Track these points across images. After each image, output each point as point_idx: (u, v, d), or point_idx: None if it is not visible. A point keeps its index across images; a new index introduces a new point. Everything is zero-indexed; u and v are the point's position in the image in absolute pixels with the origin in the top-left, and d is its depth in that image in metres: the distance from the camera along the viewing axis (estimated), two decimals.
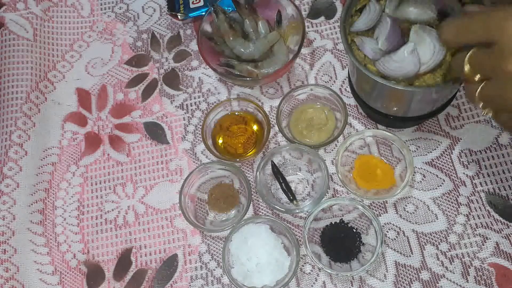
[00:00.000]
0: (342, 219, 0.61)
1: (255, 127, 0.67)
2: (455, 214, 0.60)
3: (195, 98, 0.71)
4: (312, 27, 0.73)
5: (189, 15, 0.74)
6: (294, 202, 0.61)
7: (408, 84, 0.51)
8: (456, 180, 0.61)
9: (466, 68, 0.43)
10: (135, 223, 0.65)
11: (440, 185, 0.61)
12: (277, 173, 0.62)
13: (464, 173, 0.61)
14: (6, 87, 0.71)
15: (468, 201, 0.60)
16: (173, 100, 0.71)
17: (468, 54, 0.43)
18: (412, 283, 0.58)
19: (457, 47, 0.48)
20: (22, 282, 0.63)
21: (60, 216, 0.66)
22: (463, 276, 0.57)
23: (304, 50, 0.71)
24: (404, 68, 0.51)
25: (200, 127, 0.68)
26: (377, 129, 0.65)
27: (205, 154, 0.67)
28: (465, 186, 0.61)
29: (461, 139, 0.63)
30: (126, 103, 0.72)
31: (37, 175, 0.68)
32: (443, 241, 0.59)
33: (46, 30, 0.76)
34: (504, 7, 0.40)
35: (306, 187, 0.64)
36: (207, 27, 0.68)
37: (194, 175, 0.63)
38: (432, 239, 0.59)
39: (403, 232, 0.60)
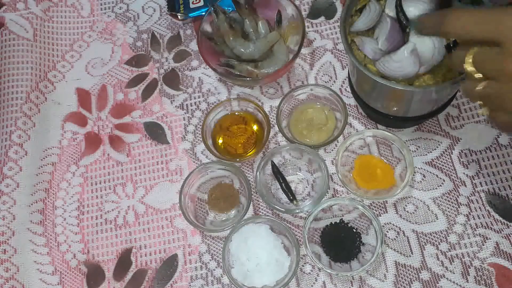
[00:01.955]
0: (342, 219, 0.61)
1: (255, 127, 0.67)
2: (455, 214, 0.60)
3: (195, 98, 0.71)
4: (312, 27, 0.73)
5: (189, 15, 0.74)
6: (294, 202, 0.61)
7: (408, 84, 0.51)
8: (456, 180, 0.61)
9: (468, 65, 0.42)
10: (135, 223, 0.65)
11: (440, 185, 0.61)
12: (277, 173, 0.62)
13: (464, 173, 0.61)
14: (6, 87, 0.71)
15: (468, 201, 0.60)
16: (173, 100, 0.71)
17: (472, 51, 0.41)
18: (412, 283, 0.58)
19: (457, 40, 0.46)
20: (22, 282, 0.63)
21: (60, 216, 0.66)
22: (463, 276, 0.57)
23: (304, 50, 0.71)
24: (404, 68, 0.51)
25: (200, 127, 0.68)
26: (377, 129, 0.65)
27: (205, 154, 0.67)
28: (465, 186, 0.61)
29: (461, 139, 0.63)
30: (126, 103, 0.72)
31: (37, 175, 0.68)
32: (443, 241, 0.59)
33: (46, 30, 0.76)
34: None
35: (306, 187, 0.64)
36: (207, 27, 0.68)
37: (194, 175, 0.63)
38: (432, 239, 0.59)
39: (403, 232, 0.60)
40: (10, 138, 0.68)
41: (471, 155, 0.62)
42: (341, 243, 0.59)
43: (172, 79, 0.72)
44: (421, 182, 0.62)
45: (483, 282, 0.56)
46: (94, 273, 0.63)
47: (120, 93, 0.73)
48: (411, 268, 0.58)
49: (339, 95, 0.63)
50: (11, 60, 0.72)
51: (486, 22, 0.40)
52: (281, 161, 0.64)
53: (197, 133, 0.69)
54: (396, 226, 0.60)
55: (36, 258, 0.64)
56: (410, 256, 0.59)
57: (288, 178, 0.63)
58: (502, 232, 0.58)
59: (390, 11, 0.54)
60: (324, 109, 0.65)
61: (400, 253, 0.59)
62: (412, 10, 0.53)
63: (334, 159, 0.63)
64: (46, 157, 0.69)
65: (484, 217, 0.59)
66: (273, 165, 0.62)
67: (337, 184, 0.63)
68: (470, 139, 0.62)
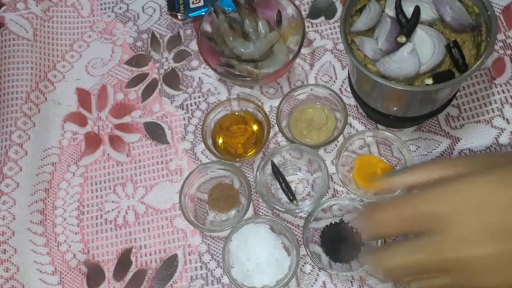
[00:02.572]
0: (342, 219, 0.61)
1: (255, 127, 0.67)
2: None
3: (195, 98, 0.71)
4: (312, 27, 0.73)
5: (189, 15, 0.74)
6: (294, 202, 0.61)
7: (408, 84, 0.51)
8: None
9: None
10: (135, 223, 0.65)
11: None
12: (277, 173, 0.62)
13: None
14: (6, 87, 0.71)
15: None
16: (173, 100, 0.71)
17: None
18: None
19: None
20: (22, 282, 0.63)
21: (60, 216, 0.66)
22: None
23: (304, 50, 0.71)
24: (404, 69, 0.51)
25: (200, 127, 0.68)
26: (377, 129, 0.65)
27: (205, 154, 0.67)
28: None
29: (461, 139, 0.63)
30: (126, 103, 0.72)
31: (37, 175, 0.68)
32: None
33: (46, 30, 0.76)
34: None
35: (306, 187, 0.64)
36: (207, 27, 0.68)
37: (194, 175, 0.63)
38: None
39: None
40: (10, 138, 0.68)
41: None
42: (341, 243, 0.59)
43: (172, 79, 0.72)
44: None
45: None
46: (94, 273, 0.63)
47: (120, 93, 0.73)
48: None
49: (339, 95, 0.63)
50: (11, 60, 0.72)
51: (413, 213, 0.36)
52: (281, 161, 0.64)
53: (197, 133, 0.69)
54: None
55: (36, 258, 0.64)
56: None
57: (288, 178, 0.63)
58: None
59: (390, 11, 0.54)
60: (324, 109, 0.65)
61: None
62: (412, 10, 0.53)
63: (334, 159, 0.63)
64: (46, 157, 0.69)
65: None
66: (273, 165, 0.62)
67: (337, 184, 0.63)
68: (470, 139, 0.62)
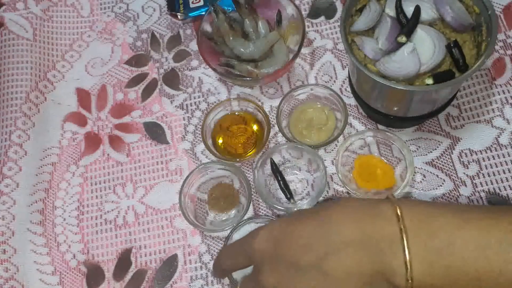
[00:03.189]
0: None
1: (255, 127, 0.67)
2: None
3: (195, 98, 0.71)
4: (312, 27, 0.72)
5: (189, 15, 0.74)
6: (292, 200, 0.61)
7: (408, 84, 0.51)
8: (456, 180, 0.61)
9: None
10: (135, 223, 0.65)
11: (441, 185, 0.61)
12: (276, 171, 0.62)
13: (464, 173, 0.61)
14: (6, 87, 0.71)
15: (468, 201, 0.60)
16: (173, 100, 0.71)
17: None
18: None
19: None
20: (22, 282, 0.63)
21: (60, 216, 0.66)
22: None
23: (304, 50, 0.71)
24: (404, 68, 0.51)
25: (200, 127, 0.68)
26: (377, 129, 0.65)
27: (205, 154, 0.67)
28: (465, 186, 0.61)
29: (461, 139, 0.63)
30: (126, 103, 0.72)
31: (36, 175, 0.68)
32: None
33: (45, 30, 0.75)
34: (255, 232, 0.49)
35: (306, 187, 0.63)
36: (207, 27, 0.68)
37: (194, 175, 0.63)
38: None
39: None
40: (10, 138, 0.68)
41: (471, 155, 0.62)
42: None
43: (172, 79, 0.72)
44: (421, 182, 0.62)
45: None
46: (94, 273, 0.63)
47: (120, 93, 0.72)
48: None
49: (339, 95, 0.63)
50: (11, 60, 0.72)
51: (236, 254, 0.51)
52: (281, 161, 0.64)
53: (197, 133, 0.69)
54: None
55: (36, 258, 0.64)
56: None
57: (288, 178, 0.63)
58: None
59: (390, 11, 0.54)
60: (324, 109, 0.65)
61: None
62: (412, 10, 0.53)
63: (334, 159, 0.63)
64: (46, 157, 0.69)
65: None
66: (272, 163, 0.62)
67: (338, 184, 0.63)
68: (471, 139, 0.62)
